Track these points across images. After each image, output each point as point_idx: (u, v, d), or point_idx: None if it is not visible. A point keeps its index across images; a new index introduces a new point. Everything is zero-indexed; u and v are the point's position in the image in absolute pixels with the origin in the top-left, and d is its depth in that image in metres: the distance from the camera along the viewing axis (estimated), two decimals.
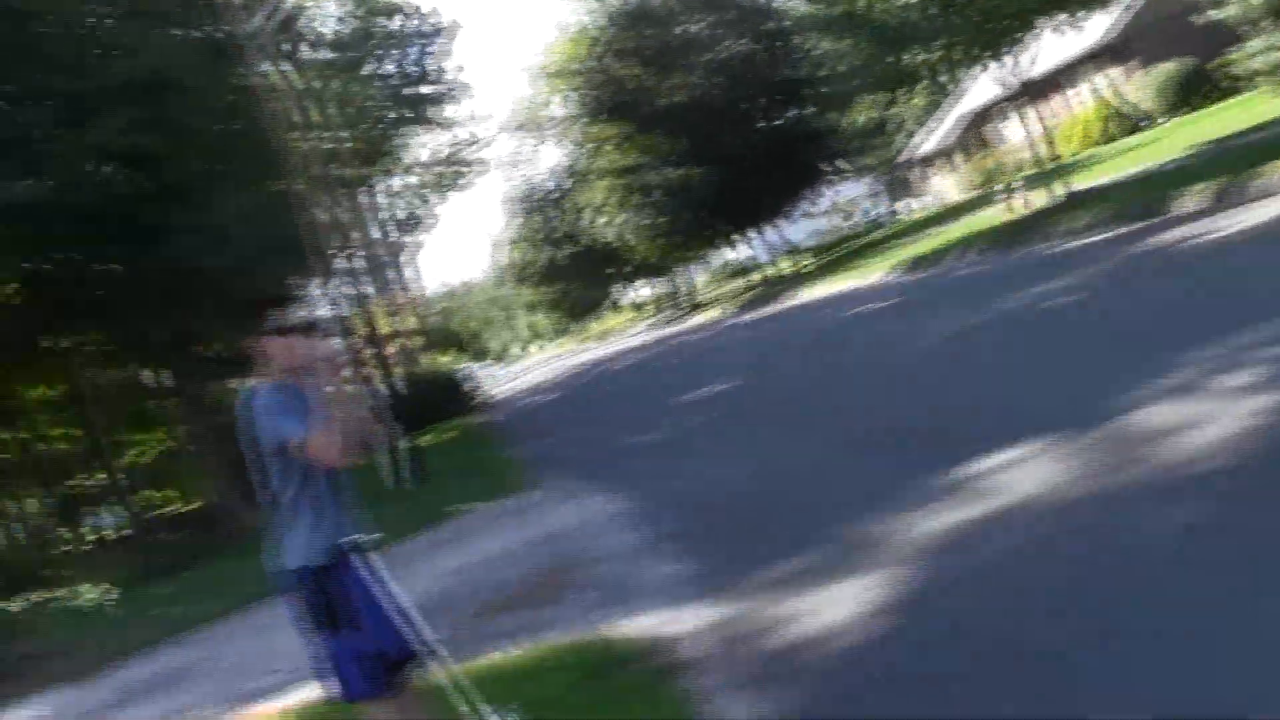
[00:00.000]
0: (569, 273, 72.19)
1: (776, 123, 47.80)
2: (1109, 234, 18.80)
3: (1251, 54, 35.78)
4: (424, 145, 63.80)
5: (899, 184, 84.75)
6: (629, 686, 5.76)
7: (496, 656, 7.11)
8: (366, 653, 4.66)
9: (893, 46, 25.23)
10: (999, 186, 33.74)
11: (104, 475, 34.92)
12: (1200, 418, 6.59)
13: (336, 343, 4.95)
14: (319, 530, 4.66)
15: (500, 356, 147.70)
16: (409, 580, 4.88)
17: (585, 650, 6.62)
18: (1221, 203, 16.76)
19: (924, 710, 4.49)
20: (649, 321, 77.54)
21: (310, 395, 4.60)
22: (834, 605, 5.96)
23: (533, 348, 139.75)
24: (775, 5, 46.64)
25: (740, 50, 46.21)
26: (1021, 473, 6.92)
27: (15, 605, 23.99)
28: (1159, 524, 5.39)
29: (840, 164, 51.95)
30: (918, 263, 28.92)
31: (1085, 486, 6.28)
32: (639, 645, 6.43)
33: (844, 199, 77.70)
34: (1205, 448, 6.10)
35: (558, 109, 56.67)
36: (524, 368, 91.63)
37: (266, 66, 22.79)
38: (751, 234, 55.05)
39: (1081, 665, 4.33)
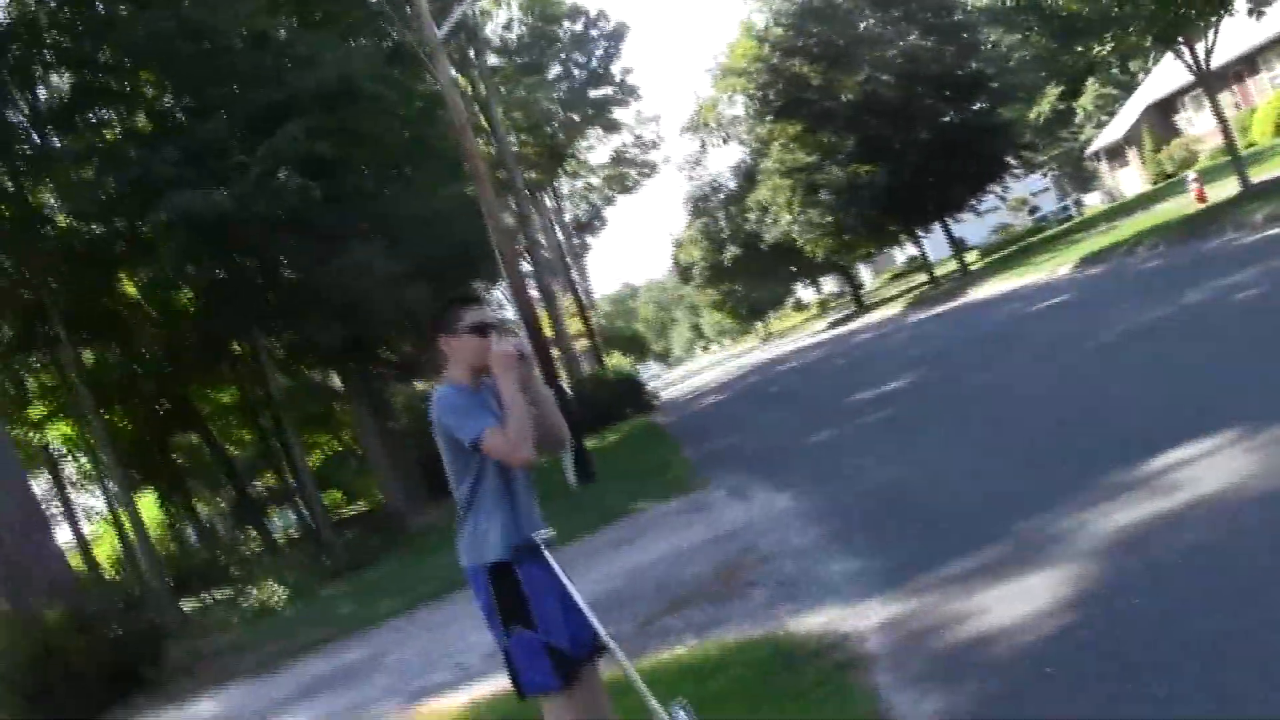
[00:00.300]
0: (742, 272, 72.15)
1: (952, 118, 47.08)
2: None
3: None
4: (593, 148, 64.68)
5: (1080, 177, 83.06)
6: (804, 682, 5.78)
7: (672, 653, 7.20)
8: (542, 648, 4.75)
9: (1071, 37, 24.72)
10: (1184, 176, 32.79)
11: (281, 478, 36.01)
12: None
13: (522, 342, 5.03)
14: (500, 527, 4.76)
15: (675, 358, 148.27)
16: (586, 577, 5.00)
17: (760, 646, 6.66)
18: None
19: (1102, 710, 4.43)
20: (824, 320, 77.11)
21: (494, 394, 4.75)
22: (1010, 603, 5.90)
23: (707, 347, 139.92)
24: None
25: (914, 45, 45.66)
26: (1209, 468, 6.75)
27: (200, 603, 24.99)
28: None
29: (1020, 158, 50.94)
30: (1097, 257, 28.29)
31: (1272, 482, 6.10)
32: (814, 641, 6.45)
33: (1023, 194, 76.43)
34: None
35: (732, 108, 56.81)
36: (698, 368, 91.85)
37: (449, 72, 23.24)
38: (924, 231, 54.35)
39: (1257, 662, 4.25)
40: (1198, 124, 55.77)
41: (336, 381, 32.51)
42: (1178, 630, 4.84)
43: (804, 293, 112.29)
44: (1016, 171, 52.38)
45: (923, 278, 60.66)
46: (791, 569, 8.50)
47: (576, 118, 59.66)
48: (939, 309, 37.36)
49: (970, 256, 59.10)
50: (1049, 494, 7.63)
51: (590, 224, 70.59)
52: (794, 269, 72.13)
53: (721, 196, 69.83)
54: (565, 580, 4.84)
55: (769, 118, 48.56)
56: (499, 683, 7.09)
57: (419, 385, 35.32)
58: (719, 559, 9.71)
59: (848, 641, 6.28)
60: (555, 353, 33.24)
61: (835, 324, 64.26)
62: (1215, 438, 7.28)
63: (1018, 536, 7.03)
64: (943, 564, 7.09)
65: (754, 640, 6.85)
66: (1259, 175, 27.48)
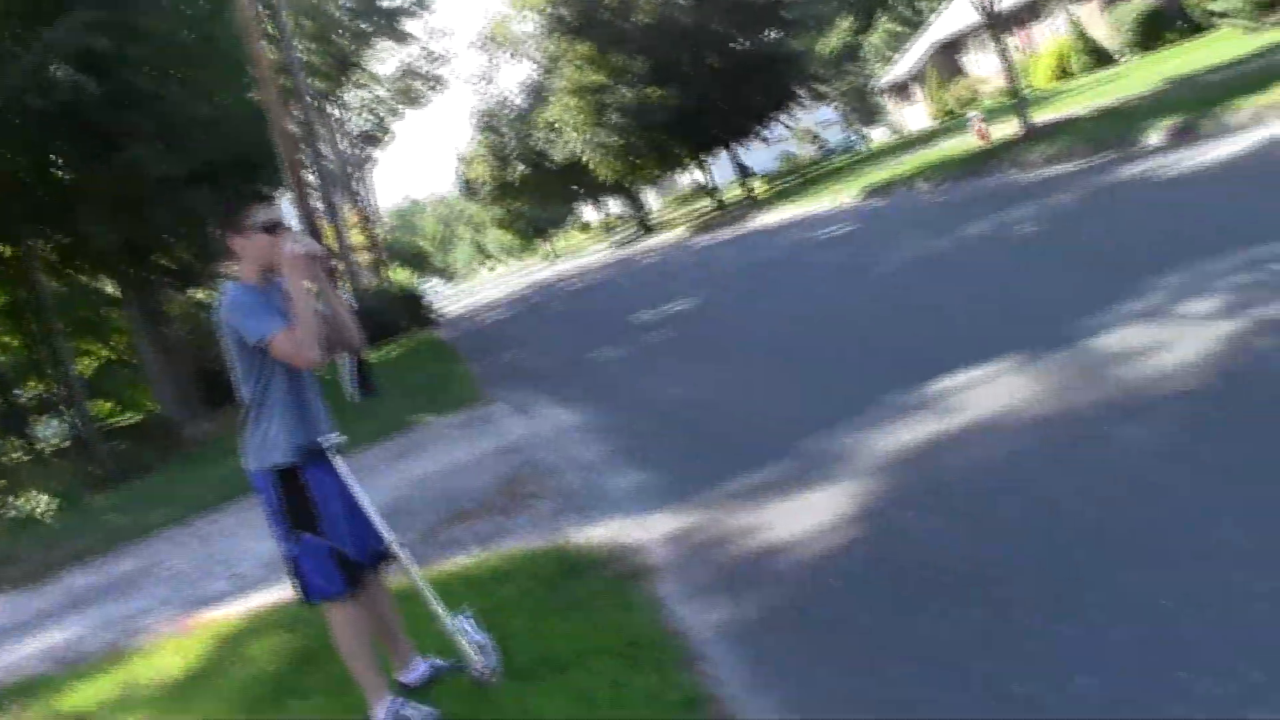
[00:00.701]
0: (529, 190, 71.72)
1: (744, 45, 47.40)
2: (1075, 165, 18.82)
3: None
4: (382, 60, 63.23)
5: (866, 111, 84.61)
6: (589, 593, 5.74)
7: (456, 563, 7.08)
8: (328, 554, 4.65)
9: None
10: (968, 115, 33.64)
11: (49, 385, 34.54)
12: (1167, 341, 6.63)
13: (313, 243, 4.80)
14: (287, 431, 4.65)
15: (456, 274, 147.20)
16: (367, 488, 4.84)
17: (544, 557, 6.59)
18: (1185, 137, 16.84)
19: (882, 620, 4.50)
20: (606, 242, 77.31)
21: (283, 294, 4.57)
22: (795, 517, 5.97)
23: (491, 265, 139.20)
24: None
25: None
26: (988, 391, 6.95)
27: None
28: (1120, 441, 5.42)
29: (809, 89, 51.61)
30: (881, 189, 28.89)
31: (1052, 405, 6.32)
32: (598, 553, 6.41)
33: (812, 124, 77.51)
34: (1171, 370, 6.14)
35: (524, 25, 56.05)
36: (481, 284, 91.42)
37: None
38: (713, 157, 54.77)
39: (1037, 576, 4.37)
40: (982, 65, 57.33)
41: (111, 288, 31.24)
42: (955, 545, 4.95)
43: (589, 213, 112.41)
44: (805, 102, 53.05)
45: (708, 203, 61.20)
46: (576, 483, 8.45)
47: (366, 27, 58.22)
48: (724, 234, 37.76)
49: (756, 184, 59.79)
50: (832, 414, 7.74)
51: (376, 136, 69.04)
52: (580, 189, 72.09)
53: (510, 114, 69.02)
54: (354, 486, 4.71)
55: (561, 36, 48.06)
56: (280, 591, 6.90)
57: (196, 293, 34.24)
58: (502, 472, 9.60)
59: (632, 554, 6.26)
60: (338, 264, 32.50)
61: (619, 245, 64.54)
62: (992, 364, 7.49)
63: (801, 454, 7.12)
64: (727, 480, 7.12)
65: (538, 551, 6.77)
66: (1039, 117, 28.28)
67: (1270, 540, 4.01)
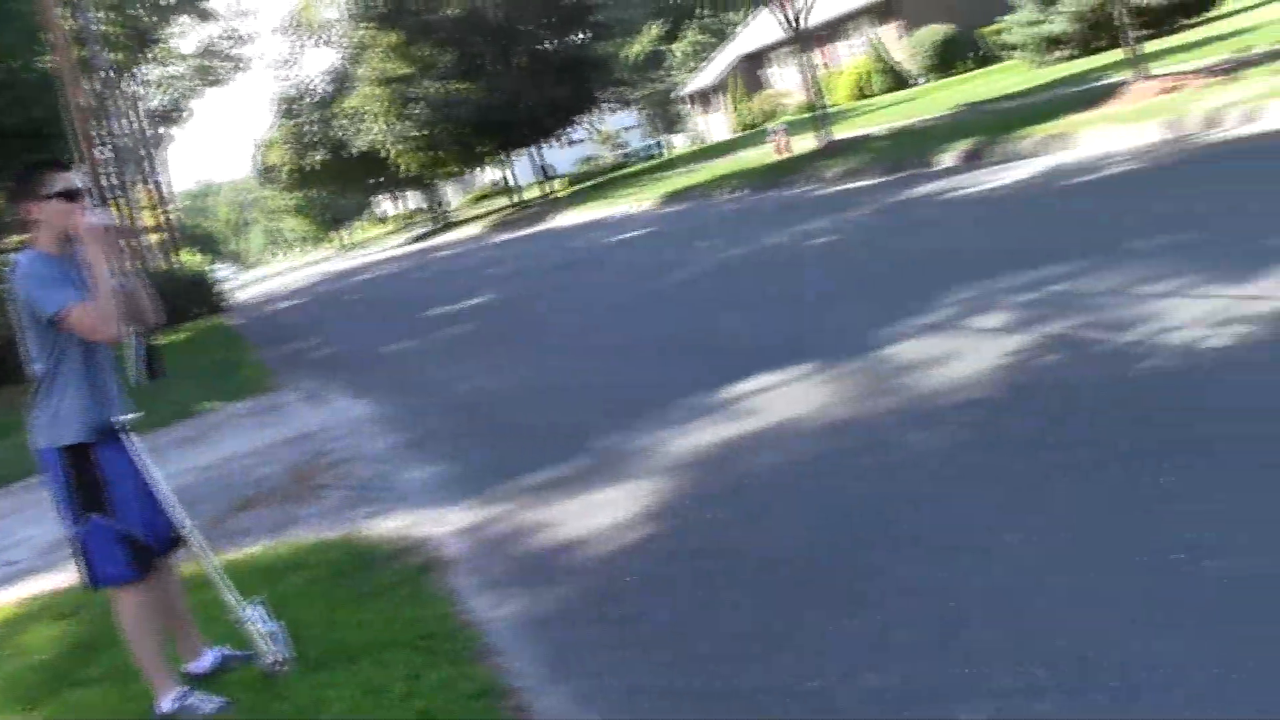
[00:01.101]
0: (328, 179, 70.33)
1: (552, 45, 47.44)
2: (871, 181, 19.36)
3: (1009, 27, 37.40)
4: (183, 35, 61.43)
5: (669, 118, 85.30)
6: (381, 584, 5.66)
7: (245, 551, 6.92)
8: (117, 537, 4.49)
9: None
10: (769, 127, 34.24)
11: None
12: (955, 352, 6.86)
13: (111, 215, 4.60)
14: (80, 408, 4.46)
15: (249, 260, 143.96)
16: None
17: (336, 548, 6.48)
18: (976, 161, 17.49)
19: (681, 616, 4.54)
20: (405, 235, 76.51)
21: (81, 265, 4.39)
22: (591, 514, 5.98)
23: (287, 253, 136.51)
24: None
25: None
26: (784, 396, 7.09)
27: None
28: (910, 446, 5.59)
29: (614, 94, 51.86)
30: (681, 195, 29.23)
31: (846, 410, 6.47)
32: (391, 544, 6.32)
33: (614, 128, 77.86)
34: (959, 380, 6.36)
35: (331, 10, 55.00)
36: (274, 272, 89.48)
37: None
38: (515, 156, 54.63)
39: (830, 575, 4.47)
40: (784, 80, 58.35)
41: None
42: (750, 543, 5.03)
43: (387, 205, 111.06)
44: (609, 106, 53.32)
45: (507, 201, 61.05)
46: (368, 473, 8.34)
47: (167, 1, 56.49)
48: (523, 232, 37.71)
49: (556, 184, 59.85)
50: (629, 412, 7.81)
51: (173, 115, 67.02)
52: (379, 181, 71.11)
53: (312, 100, 67.68)
54: (148, 467, 4.57)
55: (368, 24, 47.36)
56: (59, 578, 6.65)
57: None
58: (293, 461, 9.43)
59: (425, 546, 6.20)
60: (130, 243, 31.48)
61: (417, 239, 63.90)
62: (788, 370, 7.65)
63: (599, 451, 7.15)
64: (523, 475, 7.11)
65: (329, 542, 6.66)
66: (838, 133, 28.96)
67: (1048, 542, 4.17)
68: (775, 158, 29.53)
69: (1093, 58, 32.14)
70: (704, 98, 68.07)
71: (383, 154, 51.90)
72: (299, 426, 11.03)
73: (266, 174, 78.32)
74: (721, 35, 75.32)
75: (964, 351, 6.84)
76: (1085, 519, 4.28)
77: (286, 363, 17.25)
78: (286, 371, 15.95)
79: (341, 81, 60.41)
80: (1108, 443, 4.93)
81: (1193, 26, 33.19)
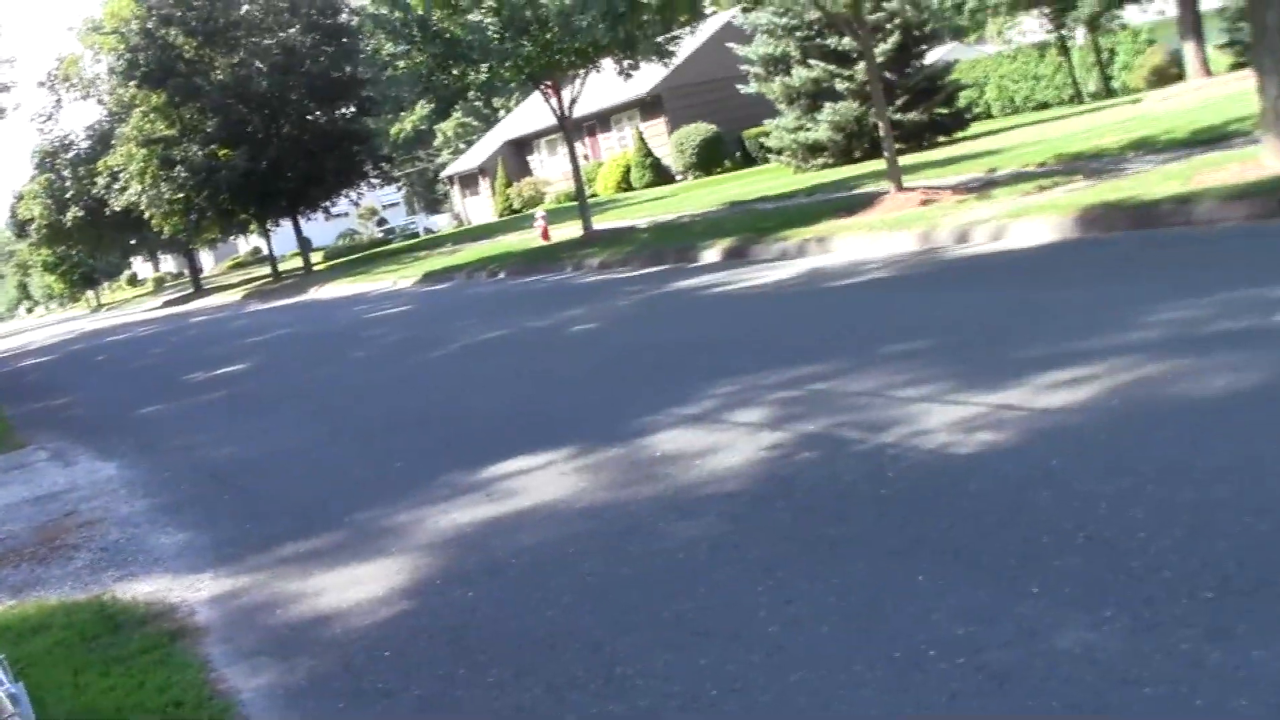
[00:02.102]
0: (83, 236, 67.93)
1: (319, 117, 47.04)
2: (632, 272, 19.63)
3: (772, 131, 38.69)
4: None
5: (431, 197, 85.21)
6: (131, 649, 5.44)
7: None
8: None
9: (455, 61, 25.30)
10: (532, 213, 34.50)
11: None
12: (717, 445, 6.92)
13: None
14: None
15: None
16: None
17: (83, 610, 6.22)
18: (737, 258, 17.90)
19: (436, 690, 4.44)
20: (158, 298, 74.42)
21: None
22: (348, 587, 5.84)
23: (31, 310, 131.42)
24: (347, 0, 46.04)
25: (294, 38, 45.20)
26: (544, 478, 7.05)
27: None
28: (671, 534, 5.59)
29: (378, 169, 51.60)
30: (441, 275, 29.19)
31: (606, 496, 6.47)
32: (141, 609, 6.10)
33: (376, 204, 77.36)
34: (720, 471, 6.41)
35: (97, 66, 53.29)
36: (18, 329, 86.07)
37: None
38: (275, 225, 53.75)
39: (589, 657, 4.40)
40: (549, 167, 58.99)
41: None
42: (508, 623, 4.96)
43: (142, 267, 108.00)
44: (373, 180, 53.04)
45: (264, 270, 59.90)
46: (117, 536, 8.04)
47: None
48: (279, 302, 37.17)
49: (315, 257, 59.05)
50: (386, 489, 7.70)
51: None
52: (136, 241, 69.09)
53: (72, 155, 65.37)
54: None
55: (134, 82, 46.07)
56: None
57: None
58: (39, 520, 9.06)
59: (177, 612, 6.01)
60: None
61: (171, 303, 62.35)
62: (546, 454, 7.63)
63: (356, 525, 7.01)
64: (278, 545, 6.95)
65: (77, 603, 6.39)
66: (599, 223, 29.36)
67: (805, 633, 4.20)
68: (538, 243, 29.74)
69: (852, 166, 33.46)
70: (468, 179, 68.24)
71: (140, 215, 50.38)
72: (45, 485, 10.62)
73: (21, 227, 75.18)
74: (488, 119, 75.82)
75: (724, 444, 6.92)
76: (843, 611, 4.33)
77: (32, 420, 16.54)
78: (32, 428, 15.32)
79: (104, 138, 58.44)
80: (866, 539, 5.03)
81: (946, 145, 34.87)
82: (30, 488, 10.64)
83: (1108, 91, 46.12)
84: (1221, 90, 28.71)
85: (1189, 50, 35.69)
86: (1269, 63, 13.54)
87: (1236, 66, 35.83)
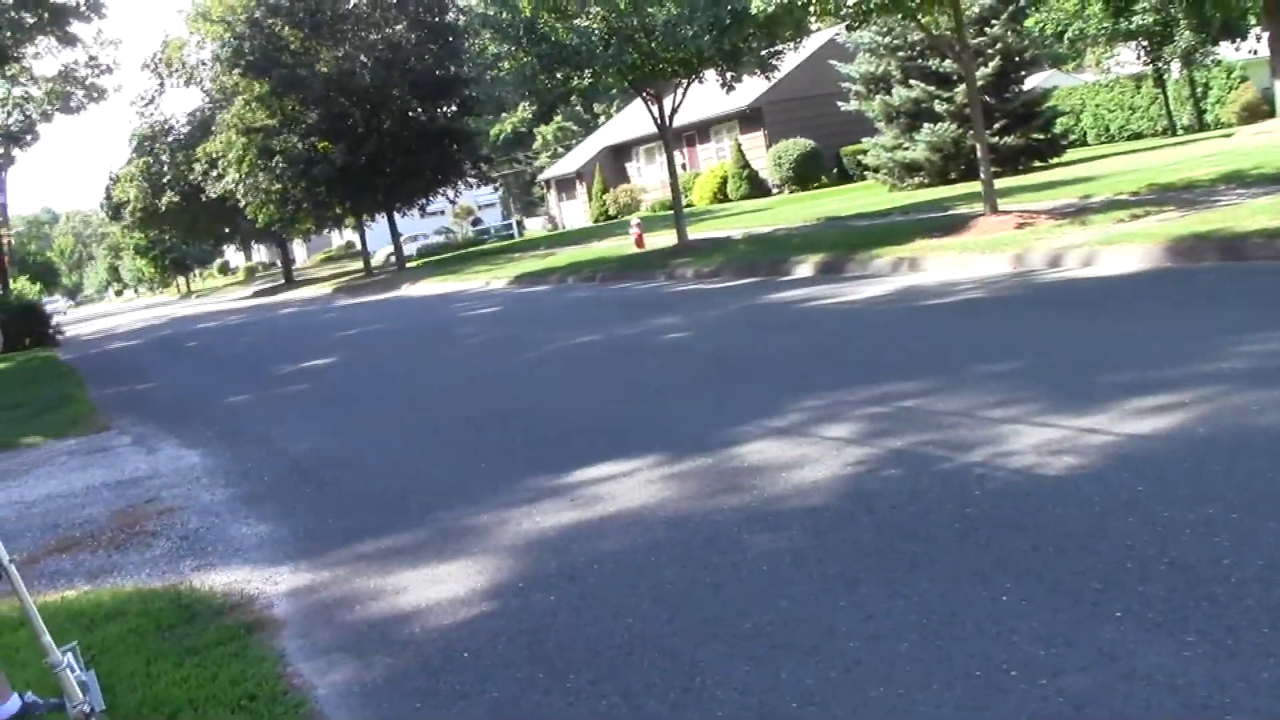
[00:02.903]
0: (178, 221, 68.88)
1: (420, 114, 47.39)
2: (725, 283, 19.65)
3: (870, 149, 38.62)
4: (40, 56, 59.78)
5: (527, 200, 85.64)
6: (205, 640, 5.48)
7: (60, 595, 6.68)
8: None
9: (559, 65, 25.48)
10: (628, 219, 34.61)
11: None
12: (803, 459, 6.95)
13: None
14: None
15: (81, 295, 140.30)
16: None
17: (159, 598, 6.26)
18: (830, 274, 17.88)
19: (514, 693, 4.49)
20: (250, 288, 75.34)
21: None
22: (428, 586, 5.89)
23: (121, 293, 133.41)
24: None
25: (399, 34, 45.63)
26: (629, 485, 7.09)
27: None
28: (753, 546, 5.62)
29: (476, 169, 51.90)
30: (535, 278, 29.32)
31: (690, 505, 6.50)
32: (218, 600, 6.15)
33: (473, 203, 77.87)
34: (805, 485, 6.44)
35: (201, 52, 54.15)
36: (107, 311, 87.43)
37: None
38: (371, 220, 54.24)
39: (666, 666, 4.44)
40: (646, 175, 59.08)
41: None
42: (587, 630, 4.99)
43: (234, 256, 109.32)
44: (471, 180, 53.32)
45: (356, 265, 60.46)
46: (197, 525, 8.11)
47: (30, 19, 55.08)
48: (369, 298, 37.43)
49: (410, 253, 59.57)
50: (473, 489, 7.75)
51: (21, 136, 65.17)
52: (229, 230, 70.01)
53: (171, 139, 66.42)
54: None
55: (238, 71, 46.75)
56: None
57: None
58: (118, 505, 9.15)
59: (254, 604, 6.04)
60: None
61: (261, 293, 63.01)
62: (635, 460, 7.66)
63: (437, 524, 7.06)
64: (358, 540, 7.00)
65: (153, 591, 6.45)
66: (694, 233, 29.40)
67: (884, 650, 4.22)
68: (633, 250, 29.83)
69: (947, 187, 33.31)
70: (565, 184, 68.53)
71: (236, 203, 51.11)
72: (126, 470, 10.73)
73: (116, 209, 76.51)
74: (588, 124, 76.10)
75: (810, 458, 6.94)
76: (922, 629, 4.35)
77: (117, 404, 16.79)
78: (116, 412, 15.53)
79: (203, 125, 59.30)
80: (948, 558, 5.03)
81: (1041, 169, 34.60)
82: (111, 472, 10.78)
83: (1200, 125, 45.80)
84: None
85: (1279, 89, 35.39)
86: None
87: None
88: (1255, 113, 41.96)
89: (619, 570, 5.66)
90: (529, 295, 25.98)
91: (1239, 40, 44.38)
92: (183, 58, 56.20)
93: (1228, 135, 36.09)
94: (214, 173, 50.57)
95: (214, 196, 52.82)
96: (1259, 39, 39.63)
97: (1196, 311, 10.64)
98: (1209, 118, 45.94)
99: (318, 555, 6.85)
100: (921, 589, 4.74)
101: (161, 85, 59.80)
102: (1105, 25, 44.41)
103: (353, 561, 6.62)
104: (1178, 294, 11.80)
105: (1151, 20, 42.89)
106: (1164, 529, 4.89)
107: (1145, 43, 45.58)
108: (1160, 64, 46.41)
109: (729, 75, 26.72)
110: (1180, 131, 45.19)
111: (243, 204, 49.97)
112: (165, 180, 64.35)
